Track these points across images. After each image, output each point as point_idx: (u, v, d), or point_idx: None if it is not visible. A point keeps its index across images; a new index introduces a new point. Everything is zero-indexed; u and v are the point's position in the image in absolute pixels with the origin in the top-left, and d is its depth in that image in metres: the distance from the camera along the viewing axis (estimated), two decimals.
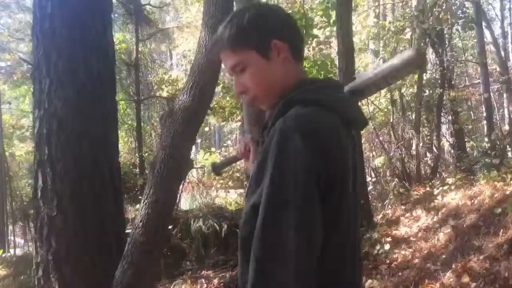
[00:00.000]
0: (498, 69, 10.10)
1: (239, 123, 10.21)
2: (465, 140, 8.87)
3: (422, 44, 7.37)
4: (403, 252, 4.45)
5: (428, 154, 8.01)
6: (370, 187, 7.83)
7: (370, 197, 6.93)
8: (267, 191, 0.85)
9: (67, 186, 2.56)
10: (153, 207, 2.55)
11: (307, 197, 0.84)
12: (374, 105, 8.17)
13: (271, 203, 0.84)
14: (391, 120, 7.71)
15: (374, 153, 8.92)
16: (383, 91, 8.25)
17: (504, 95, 10.81)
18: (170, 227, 5.02)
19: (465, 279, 3.39)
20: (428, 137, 8.06)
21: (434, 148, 7.81)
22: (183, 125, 2.70)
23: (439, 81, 7.83)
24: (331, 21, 8.44)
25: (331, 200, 0.88)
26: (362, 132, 7.25)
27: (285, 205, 0.83)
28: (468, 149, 8.72)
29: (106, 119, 2.79)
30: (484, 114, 9.40)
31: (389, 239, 4.73)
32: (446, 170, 7.83)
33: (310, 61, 9.23)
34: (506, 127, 9.91)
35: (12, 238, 9.35)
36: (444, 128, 8.70)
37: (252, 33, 1.01)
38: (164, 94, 10.15)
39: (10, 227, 9.44)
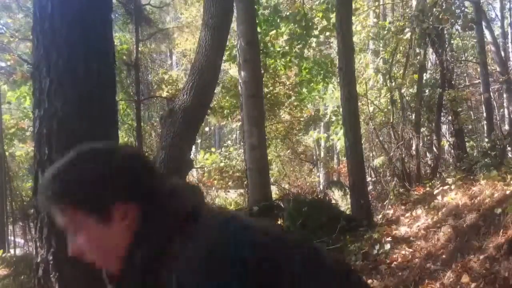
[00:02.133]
0: (498, 69, 10.10)
1: (239, 123, 10.21)
2: (465, 140, 8.88)
3: (422, 44, 7.38)
4: (403, 252, 4.45)
5: (428, 154, 8.02)
6: (370, 187, 7.84)
7: (370, 197, 6.93)
8: None
9: None
10: None
11: None
12: (374, 105, 8.17)
13: None
14: (391, 120, 7.71)
15: (374, 153, 8.92)
16: (383, 91, 8.26)
17: (504, 95, 10.81)
18: None
19: (465, 279, 3.39)
20: (428, 137, 8.06)
21: (434, 148, 7.81)
22: (183, 125, 2.70)
23: (439, 81, 7.84)
24: (331, 23, 8.46)
25: None
26: (362, 132, 7.25)
27: None
28: (468, 149, 8.73)
29: (106, 119, 2.79)
30: (484, 114, 9.41)
31: (389, 239, 4.73)
32: (446, 170, 7.82)
33: (310, 61, 9.25)
34: (506, 127, 9.91)
35: (12, 238, 9.35)
36: (444, 128, 8.71)
37: (85, 194, 0.82)
38: (164, 94, 10.17)
39: (10, 227, 9.44)
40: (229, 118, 9.68)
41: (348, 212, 6.52)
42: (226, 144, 13.65)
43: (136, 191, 0.84)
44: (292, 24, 8.69)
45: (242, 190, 9.30)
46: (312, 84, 9.56)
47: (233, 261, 0.75)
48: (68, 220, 0.84)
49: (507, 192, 4.45)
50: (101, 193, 0.82)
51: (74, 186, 0.82)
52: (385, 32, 8.06)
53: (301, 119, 11.24)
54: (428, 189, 5.97)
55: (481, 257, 3.60)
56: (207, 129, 14.25)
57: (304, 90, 10.18)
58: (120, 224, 0.83)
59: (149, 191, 0.85)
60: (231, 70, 11.20)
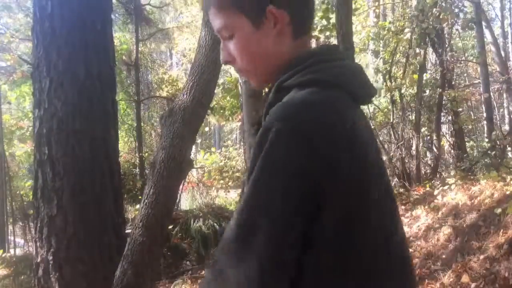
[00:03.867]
0: (498, 69, 10.10)
1: (239, 123, 10.21)
2: (465, 140, 8.87)
3: (422, 44, 7.38)
4: None
5: (428, 154, 8.02)
6: None
7: None
8: (241, 207, 0.70)
9: (67, 186, 2.56)
10: (153, 207, 2.55)
11: (284, 216, 0.68)
12: (374, 105, 8.17)
13: (241, 225, 0.70)
14: (391, 120, 7.71)
15: None
16: (383, 91, 8.26)
17: (504, 95, 10.82)
18: (170, 227, 5.02)
19: (465, 279, 3.39)
20: (428, 137, 8.06)
21: (434, 148, 7.81)
22: (183, 125, 2.70)
23: (439, 81, 7.83)
24: (331, 23, 8.45)
25: (338, 210, 0.70)
26: None
27: (254, 231, 0.68)
28: (468, 149, 8.72)
29: (106, 119, 2.79)
30: (484, 114, 9.40)
31: None
32: (446, 170, 7.83)
33: None
34: (506, 127, 9.91)
35: (12, 238, 9.34)
36: (444, 128, 8.70)
37: None
38: (164, 94, 10.16)
39: (10, 227, 9.43)
40: (231, 119, 9.66)
41: None
42: (226, 144, 13.66)
43: (290, 1, 0.83)
44: None
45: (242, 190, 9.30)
46: None
47: (317, 123, 0.71)
48: (223, 24, 0.85)
49: (507, 192, 4.45)
50: None
51: None
52: (385, 32, 8.06)
53: None
54: (428, 189, 5.97)
55: (481, 257, 3.60)
56: (207, 129, 14.24)
57: None
58: (271, 31, 0.83)
59: (297, 6, 0.85)
60: (231, 69, 11.20)
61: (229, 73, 11.87)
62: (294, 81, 0.79)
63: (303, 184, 0.68)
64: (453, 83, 8.42)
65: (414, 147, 7.31)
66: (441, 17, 6.92)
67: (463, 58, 12.20)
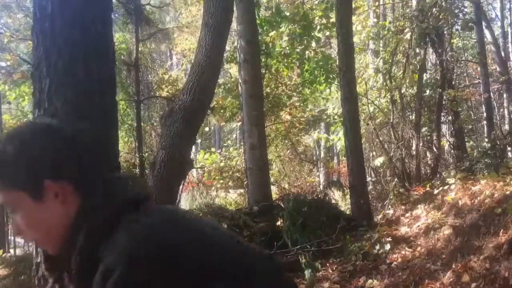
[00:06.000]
0: (498, 69, 10.10)
1: (239, 123, 10.21)
2: (465, 140, 8.87)
3: (422, 44, 7.38)
4: (403, 252, 4.45)
5: (428, 154, 8.01)
6: (370, 187, 7.84)
7: (370, 197, 6.93)
8: None
9: None
10: None
11: None
12: (374, 105, 8.17)
13: None
14: (391, 120, 7.71)
15: (374, 153, 8.92)
16: (383, 91, 8.27)
17: (504, 95, 10.82)
18: None
19: (465, 279, 3.39)
20: (428, 137, 8.06)
21: (434, 148, 7.81)
22: (183, 125, 2.70)
23: (439, 81, 7.83)
24: (331, 22, 8.46)
25: None
26: (362, 132, 7.25)
27: None
28: (468, 149, 8.72)
29: (106, 119, 2.79)
30: (484, 114, 9.41)
31: (389, 239, 4.73)
32: (446, 170, 7.82)
33: (312, 63, 9.25)
34: (506, 127, 9.91)
35: (12, 238, 9.34)
36: (444, 128, 8.70)
37: (16, 172, 0.82)
38: (164, 94, 10.16)
39: (10, 227, 9.43)
40: (232, 120, 9.65)
41: (348, 212, 6.52)
42: (226, 144, 13.66)
43: (64, 169, 0.83)
44: (292, 24, 8.69)
45: (242, 190, 9.29)
46: (315, 85, 9.56)
47: (149, 259, 0.75)
48: (4, 200, 0.85)
49: (507, 192, 4.46)
50: (27, 170, 0.81)
51: (5, 164, 0.82)
52: (385, 32, 8.06)
53: (302, 119, 11.24)
54: (428, 189, 5.97)
55: (481, 257, 3.61)
56: (207, 129, 14.23)
57: (307, 91, 10.19)
58: (54, 202, 0.82)
59: (81, 170, 0.84)
60: (231, 69, 11.20)
61: (229, 73, 11.87)
62: (97, 228, 0.81)
63: None
64: (453, 83, 8.43)
65: (414, 147, 7.31)
66: (441, 17, 6.92)
67: (463, 58, 12.21)
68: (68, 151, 0.84)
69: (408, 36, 7.52)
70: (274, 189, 8.94)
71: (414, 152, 7.31)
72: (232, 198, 9.37)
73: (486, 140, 8.05)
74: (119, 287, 0.73)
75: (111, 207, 0.83)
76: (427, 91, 7.99)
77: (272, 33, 8.61)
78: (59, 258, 0.89)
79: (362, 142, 7.32)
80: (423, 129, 7.85)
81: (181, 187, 5.60)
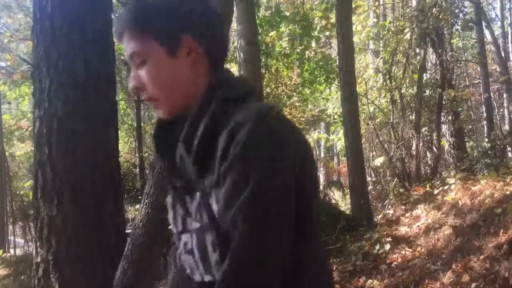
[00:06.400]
0: (498, 69, 10.10)
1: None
2: (465, 140, 8.87)
3: (422, 44, 7.38)
4: (403, 252, 4.45)
5: (428, 154, 8.01)
6: (370, 187, 7.83)
7: (370, 197, 6.93)
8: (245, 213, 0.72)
9: (67, 186, 2.56)
10: (153, 207, 2.55)
11: (287, 217, 0.75)
12: (374, 105, 8.17)
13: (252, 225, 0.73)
14: (391, 120, 7.71)
15: (374, 153, 8.91)
16: (383, 91, 8.26)
17: (504, 95, 10.81)
18: (170, 227, 5.02)
19: (465, 279, 3.39)
20: (428, 137, 8.05)
21: (434, 148, 7.80)
22: None
23: (439, 81, 7.83)
24: (331, 23, 8.45)
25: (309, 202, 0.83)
26: (362, 132, 7.25)
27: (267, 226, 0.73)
28: (468, 149, 8.72)
29: (106, 119, 2.79)
30: (484, 114, 9.40)
31: (389, 239, 4.73)
32: (446, 170, 7.82)
33: (312, 63, 9.25)
34: (506, 127, 9.91)
35: (12, 238, 9.35)
36: (444, 128, 8.70)
37: (158, 20, 0.83)
38: None
39: (10, 227, 9.44)
40: None
41: (348, 212, 6.52)
42: None
43: (203, 30, 0.85)
44: (292, 24, 8.69)
45: None
46: (315, 85, 9.56)
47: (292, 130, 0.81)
48: (135, 50, 0.84)
49: (507, 192, 4.46)
50: (173, 21, 0.83)
51: (149, 12, 0.83)
52: (385, 32, 8.06)
53: (302, 119, 11.23)
54: (428, 189, 5.98)
55: (481, 257, 3.60)
56: None
57: (307, 91, 10.19)
58: (185, 60, 0.84)
59: (215, 37, 0.87)
60: (231, 69, 11.17)
61: None
62: (234, 95, 0.83)
63: (292, 178, 0.76)
64: (453, 83, 8.43)
65: (414, 147, 7.30)
66: (441, 17, 6.92)
67: (463, 58, 12.21)
68: (211, 16, 0.87)
69: (408, 36, 7.51)
70: None
71: (414, 152, 7.31)
72: None
73: (486, 140, 8.04)
74: (252, 135, 0.73)
75: (243, 85, 0.88)
76: (427, 91, 7.98)
77: (272, 33, 8.61)
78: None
79: (362, 142, 7.32)
80: (423, 129, 7.85)
81: None
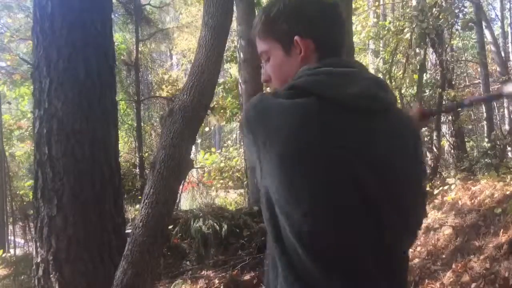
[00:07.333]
0: (498, 69, 10.10)
1: (239, 123, 10.20)
2: (465, 140, 8.86)
3: (422, 44, 7.37)
4: None
5: (428, 154, 8.01)
6: None
7: None
8: None
9: (67, 186, 2.56)
10: (153, 207, 2.55)
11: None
12: None
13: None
14: None
15: None
16: None
17: None
18: (170, 227, 5.02)
19: (465, 279, 3.39)
20: (428, 137, 8.05)
21: (434, 148, 7.80)
22: (183, 125, 2.69)
23: (439, 81, 7.83)
24: None
25: None
26: None
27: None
28: (468, 149, 8.72)
29: (106, 119, 2.79)
30: (484, 114, 9.40)
31: None
32: (446, 170, 7.82)
33: None
34: (506, 127, 9.90)
35: (12, 238, 9.34)
36: (444, 128, 8.69)
37: (279, 26, 1.01)
38: (164, 94, 10.16)
39: (10, 227, 9.43)
40: (232, 120, 9.63)
41: None
42: (226, 144, 13.64)
43: (316, 28, 1.00)
44: None
45: (242, 190, 9.29)
46: None
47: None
48: (263, 49, 1.04)
49: (507, 192, 4.45)
50: (289, 25, 0.99)
51: (273, 18, 1.01)
52: (385, 32, 8.06)
53: None
54: (428, 189, 5.97)
55: (481, 257, 3.60)
56: (207, 129, 14.22)
57: None
58: (297, 57, 1.00)
59: (325, 34, 1.01)
60: (231, 69, 11.19)
61: (229, 73, 11.87)
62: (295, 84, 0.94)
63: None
64: (453, 83, 8.42)
65: None
66: (440, 17, 6.91)
67: (463, 58, 12.20)
68: (326, 19, 1.02)
69: (408, 36, 7.51)
70: None
71: None
72: (232, 198, 9.37)
73: (486, 140, 8.04)
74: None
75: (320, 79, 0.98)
76: (427, 91, 7.98)
77: None
78: None
79: None
80: (423, 129, 7.84)
81: (181, 187, 5.61)
